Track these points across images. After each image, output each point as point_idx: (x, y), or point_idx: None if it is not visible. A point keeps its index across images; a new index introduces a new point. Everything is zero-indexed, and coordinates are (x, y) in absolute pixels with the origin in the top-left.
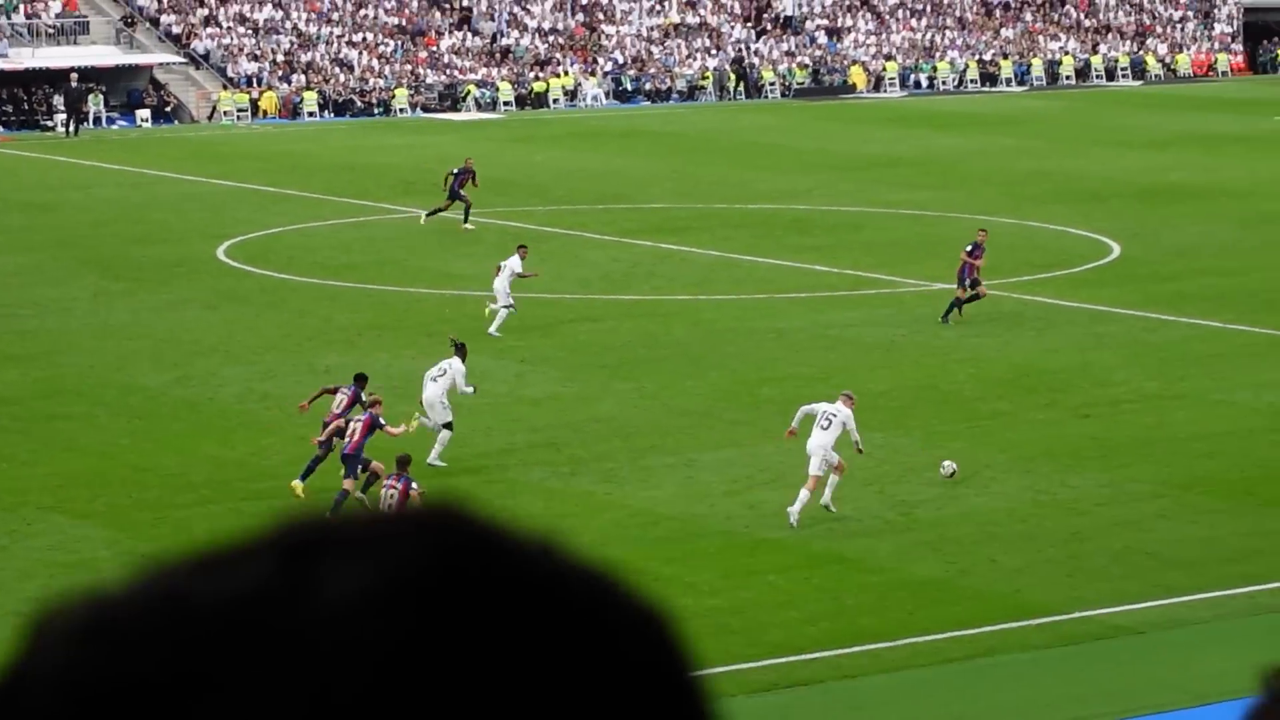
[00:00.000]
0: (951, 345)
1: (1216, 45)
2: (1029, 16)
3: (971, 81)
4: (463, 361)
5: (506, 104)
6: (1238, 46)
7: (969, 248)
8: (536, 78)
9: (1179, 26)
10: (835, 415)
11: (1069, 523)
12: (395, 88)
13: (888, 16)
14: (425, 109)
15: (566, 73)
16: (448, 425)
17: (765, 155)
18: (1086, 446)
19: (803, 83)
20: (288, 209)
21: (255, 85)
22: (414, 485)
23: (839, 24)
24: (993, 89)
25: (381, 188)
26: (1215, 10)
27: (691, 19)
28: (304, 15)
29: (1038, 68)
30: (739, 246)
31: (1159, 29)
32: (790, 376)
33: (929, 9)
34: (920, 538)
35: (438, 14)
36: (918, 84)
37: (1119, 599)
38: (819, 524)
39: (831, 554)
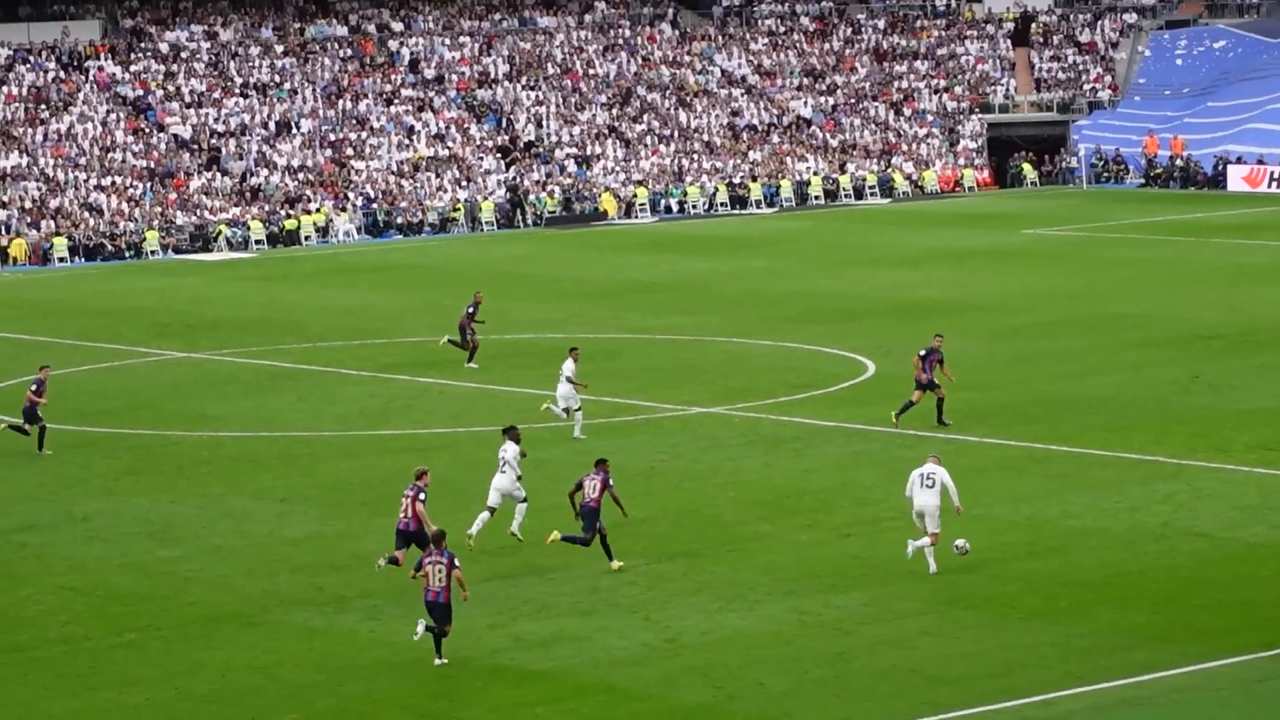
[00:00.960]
0: (712, 469)
1: (962, 161)
2: (775, 138)
3: (721, 205)
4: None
5: (258, 242)
6: (983, 161)
7: (922, 352)
8: (287, 215)
9: (924, 143)
10: (934, 474)
11: (835, 643)
12: (146, 230)
13: (636, 143)
14: (177, 250)
15: (318, 209)
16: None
17: (520, 285)
18: (849, 566)
19: (554, 211)
20: (42, 355)
21: (4, 232)
22: (455, 562)
23: (588, 152)
24: (743, 211)
25: (135, 331)
26: (960, 127)
27: (441, 151)
28: (51, 161)
29: (786, 189)
30: (497, 378)
31: (904, 146)
32: (552, 506)
33: (676, 134)
34: (687, 663)
35: (186, 155)
36: (668, 209)
37: (887, 717)
38: (585, 654)
39: (599, 683)
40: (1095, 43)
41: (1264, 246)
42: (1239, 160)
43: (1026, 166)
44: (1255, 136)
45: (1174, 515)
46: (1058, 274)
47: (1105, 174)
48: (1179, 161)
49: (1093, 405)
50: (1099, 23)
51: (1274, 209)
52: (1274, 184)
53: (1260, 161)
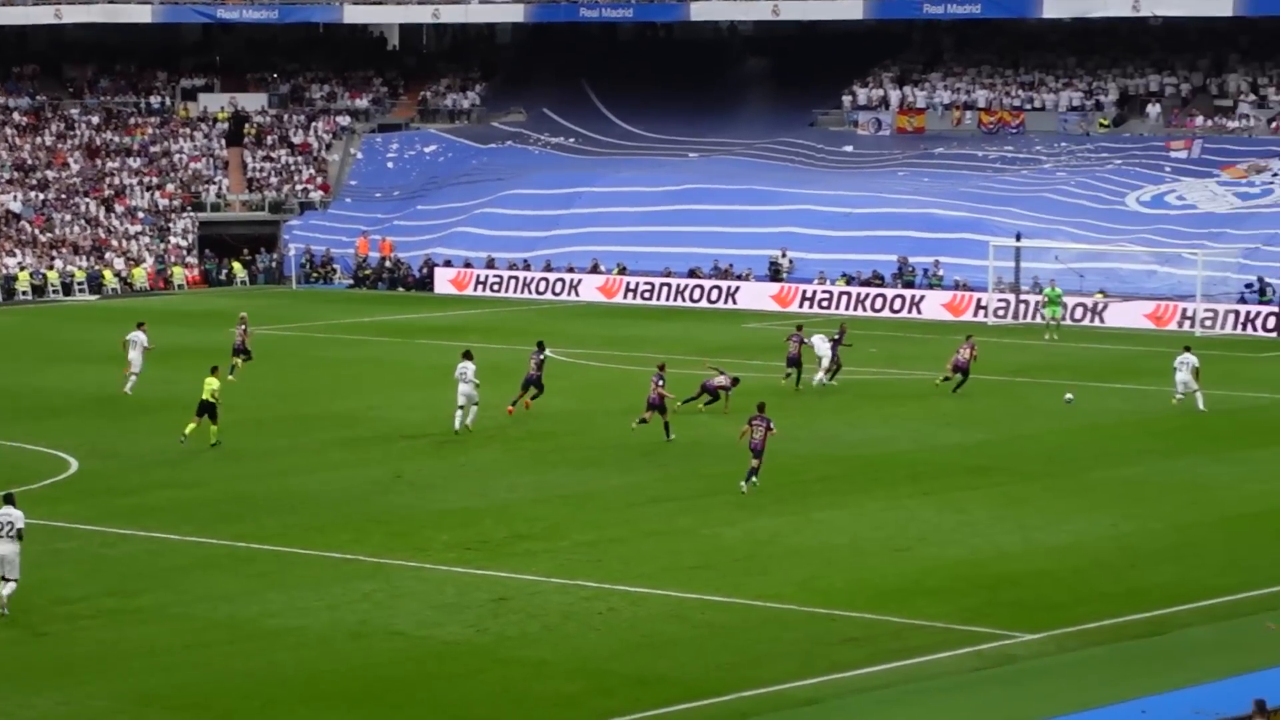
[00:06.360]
0: None
1: (173, 259)
2: None
3: None
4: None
5: None
6: (194, 259)
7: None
8: None
9: (135, 240)
10: (1187, 361)
11: None
12: None
13: None
14: None
15: None
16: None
17: None
18: (43, 663)
19: None
20: None
21: None
22: (771, 426)
23: None
24: None
25: None
26: (171, 224)
27: None
28: None
29: None
30: None
31: (115, 243)
32: None
33: None
34: None
35: None
36: None
37: None
38: None
39: None
40: (309, 144)
41: (469, 348)
42: (446, 263)
43: (237, 265)
44: (462, 240)
45: (372, 613)
46: (264, 373)
47: (315, 274)
48: (388, 263)
49: (294, 504)
50: (313, 124)
51: (479, 311)
52: (479, 287)
53: (467, 265)
